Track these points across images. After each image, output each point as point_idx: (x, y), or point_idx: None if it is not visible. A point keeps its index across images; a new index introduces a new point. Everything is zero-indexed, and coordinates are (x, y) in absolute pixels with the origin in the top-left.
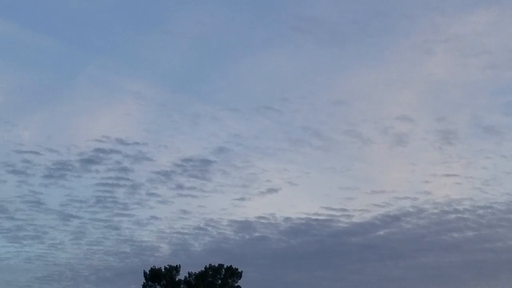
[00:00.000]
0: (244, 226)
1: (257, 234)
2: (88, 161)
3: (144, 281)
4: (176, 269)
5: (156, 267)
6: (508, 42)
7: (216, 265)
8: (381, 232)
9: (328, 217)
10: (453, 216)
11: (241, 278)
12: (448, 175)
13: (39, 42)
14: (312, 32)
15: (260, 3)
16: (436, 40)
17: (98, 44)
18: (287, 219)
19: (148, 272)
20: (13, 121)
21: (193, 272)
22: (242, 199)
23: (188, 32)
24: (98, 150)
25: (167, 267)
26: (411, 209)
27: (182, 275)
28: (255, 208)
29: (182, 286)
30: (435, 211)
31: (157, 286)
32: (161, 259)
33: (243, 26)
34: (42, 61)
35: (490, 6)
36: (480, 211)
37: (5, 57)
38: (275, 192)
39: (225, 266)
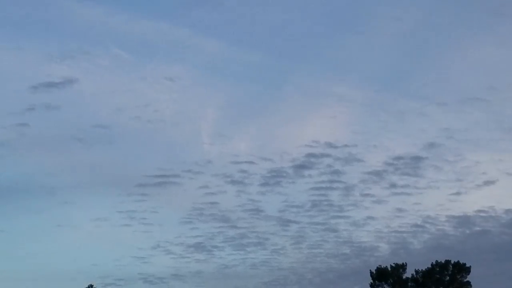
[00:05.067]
0: (463, 221)
1: (477, 228)
2: (300, 167)
3: (371, 281)
4: (403, 267)
5: (382, 266)
6: None
7: (443, 262)
8: None
9: None
10: None
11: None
12: None
13: (246, 57)
14: None
15: None
16: None
17: (301, 52)
18: (507, 211)
19: (374, 272)
20: (228, 134)
21: (420, 270)
22: (458, 193)
23: (388, 31)
24: (309, 155)
25: (393, 265)
26: None
27: (408, 273)
28: (472, 202)
29: (409, 284)
30: None
31: (385, 285)
32: (382, 258)
33: (444, 18)
34: (250, 75)
35: None
36: None
37: (217, 74)
38: (492, 184)
39: (452, 262)
